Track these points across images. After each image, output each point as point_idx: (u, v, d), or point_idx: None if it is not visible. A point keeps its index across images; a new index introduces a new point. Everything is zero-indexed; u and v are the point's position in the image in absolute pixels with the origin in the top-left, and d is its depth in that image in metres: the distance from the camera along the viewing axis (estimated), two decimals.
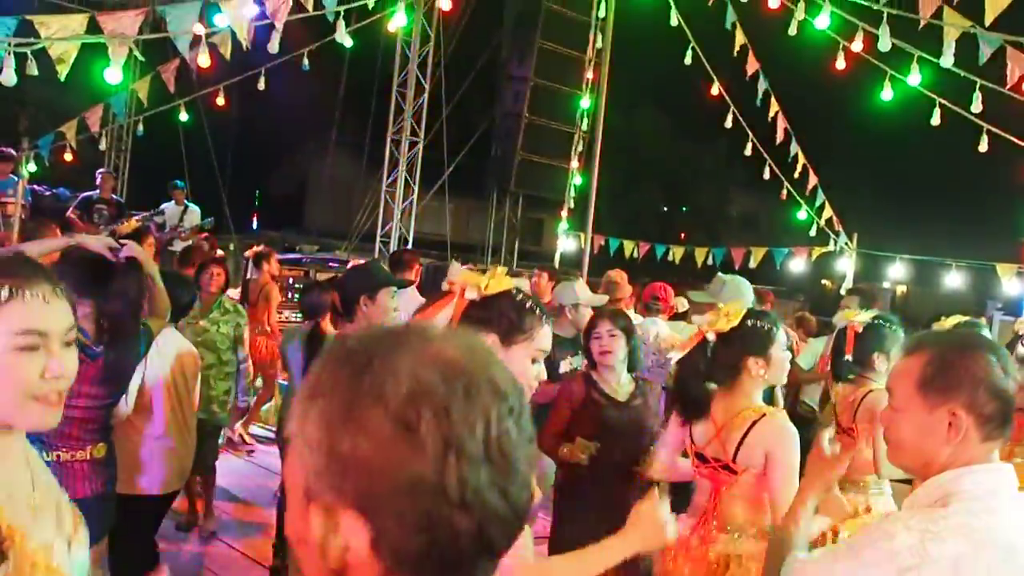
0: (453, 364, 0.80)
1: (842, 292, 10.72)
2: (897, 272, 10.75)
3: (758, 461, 2.77)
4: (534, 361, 2.02)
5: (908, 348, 1.73)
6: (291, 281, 11.27)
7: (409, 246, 14.04)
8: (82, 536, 1.43)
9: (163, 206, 10.75)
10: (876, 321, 3.83)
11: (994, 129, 7.09)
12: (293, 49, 10.53)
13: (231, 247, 15.78)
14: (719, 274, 4.04)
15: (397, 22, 8.48)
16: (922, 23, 6.36)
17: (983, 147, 7.18)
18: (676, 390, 2.97)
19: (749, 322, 2.84)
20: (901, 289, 16.02)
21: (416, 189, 14.11)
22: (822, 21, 6.12)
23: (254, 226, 25.83)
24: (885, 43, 5.85)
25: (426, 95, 14.07)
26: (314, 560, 0.79)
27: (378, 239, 14.16)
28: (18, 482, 1.36)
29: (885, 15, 5.80)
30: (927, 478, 1.65)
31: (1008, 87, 6.51)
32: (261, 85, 10.49)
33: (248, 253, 8.22)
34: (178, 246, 10.06)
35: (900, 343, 3.71)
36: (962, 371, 1.62)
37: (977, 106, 6.59)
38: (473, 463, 0.76)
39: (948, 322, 4.21)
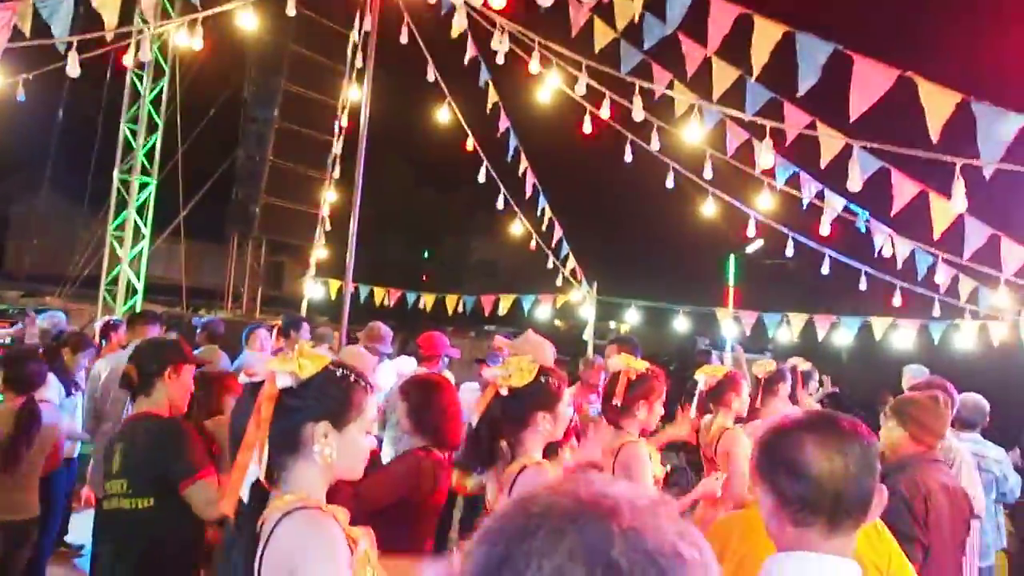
0: (611, 569, 0.74)
1: (584, 337, 11.45)
2: (631, 316, 11.72)
3: None
4: (368, 432, 1.97)
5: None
6: None
7: (140, 292, 12.99)
8: None
9: None
10: (648, 371, 4.02)
11: (718, 192, 8.00)
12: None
13: None
14: (528, 332, 4.13)
15: (142, 55, 7.83)
16: (657, 94, 7.04)
17: (710, 210, 8.06)
18: (471, 443, 2.96)
19: (542, 378, 2.90)
20: (625, 328, 17.42)
21: (148, 232, 13.09)
22: (580, 88, 6.56)
23: None
24: (638, 114, 6.40)
25: (159, 132, 13.19)
26: None
27: (102, 286, 12.94)
28: None
29: (637, 87, 6.34)
30: None
31: (729, 156, 7.37)
32: None
33: None
34: None
35: (661, 395, 4.02)
36: (772, 452, 1.64)
37: (708, 172, 7.40)
38: None
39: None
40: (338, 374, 1.92)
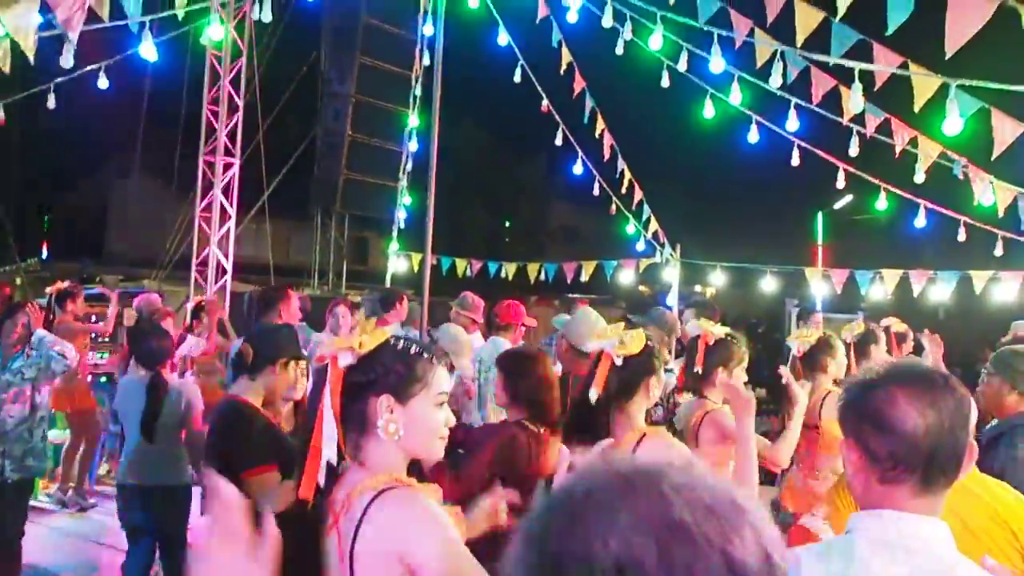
0: (677, 529, 0.70)
1: (669, 302, 11.23)
2: (717, 279, 11.42)
3: None
4: (439, 406, 1.88)
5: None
6: (94, 319, 10.04)
7: (229, 272, 13.33)
8: None
9: None
10: (727, 337, 3.91)
11: (804, 144, 7.66)
12: (86, 62, 9.64)
13: (17, 281, 14.30)
14: (580, 309, 4.08)
15: (214, 34, 7.94)
16: (737, 43, 6.75)
17: (795, 161, 7.74)
18: (585, 416, 2.90)
19: (648, 343, 2.92)
20: (710, 291, 17.11)
21: (234, 212, 13.37)
22: (655, 42, 6.34)
23: (44, 255, 23.76)
24: (717, 64, 6.15)
25: (240, 112, 13.40)
26: None
27: (193, 267, 13.30)
28: None
29: (716, 36, 6.10)
30: None
31: (815, 104, 7.04)
32: (51, 103, 9.49)
33: (50, 290, 7.49)
34: None
35: (742, 360, 3.89)
36: (859, 407, 1.52)
37: (793, 124, 7.08)
38: None
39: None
40: (399, 346, 1.86)
